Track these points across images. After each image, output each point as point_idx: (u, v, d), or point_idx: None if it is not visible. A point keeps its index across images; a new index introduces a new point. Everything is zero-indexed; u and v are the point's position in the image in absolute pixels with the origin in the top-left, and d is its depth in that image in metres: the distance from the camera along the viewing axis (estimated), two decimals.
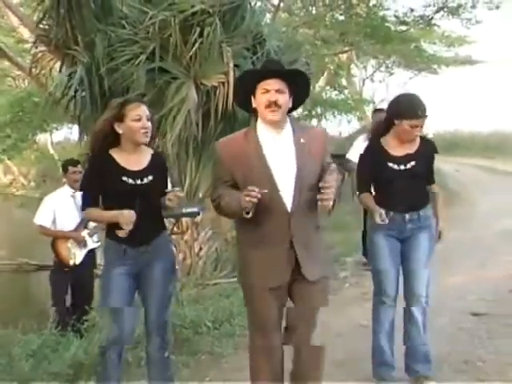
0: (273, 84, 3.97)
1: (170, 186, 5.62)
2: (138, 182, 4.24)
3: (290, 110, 4.13)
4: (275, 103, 3.94)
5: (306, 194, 3.99)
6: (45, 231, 7.33)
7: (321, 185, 3.83)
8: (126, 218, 4.05)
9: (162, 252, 4.36)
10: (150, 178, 4.29)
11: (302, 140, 4.05)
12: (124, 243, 4.22)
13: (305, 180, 3.99)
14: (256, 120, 4.10)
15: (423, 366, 4.84)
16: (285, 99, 3.99)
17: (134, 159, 4.29)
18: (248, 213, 3.86)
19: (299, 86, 4.11)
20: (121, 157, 4.27)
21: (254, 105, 4.06)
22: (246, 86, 4.10)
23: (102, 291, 4.34)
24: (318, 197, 3.82)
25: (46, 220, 7.28)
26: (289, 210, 3.97)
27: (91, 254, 7.37)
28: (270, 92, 3.96)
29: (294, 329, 4.14)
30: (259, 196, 3.78)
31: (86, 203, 4.31)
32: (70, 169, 7.44)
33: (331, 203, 3.84)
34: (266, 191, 3.83)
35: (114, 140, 4.27)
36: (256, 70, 4.28)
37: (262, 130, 4.05)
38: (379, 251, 4.80)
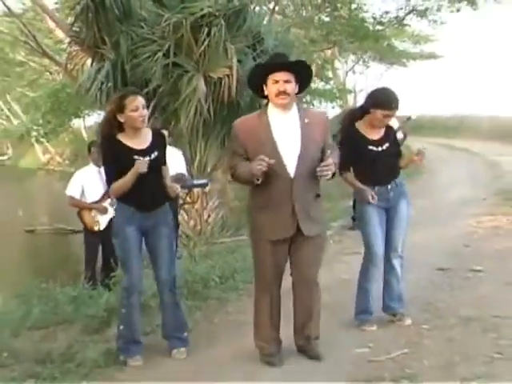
0: (281, 75, 4.04)
1: (184, 166, 5.60)
2: (147, 158, 4.27)
3: (296, 94, 4.18)
4: (284, 92, 4.03)
5: (308, 165, 4.06)
6: (73, 201, 7.32)
7: (322, 164, 3.97)
8: (142, 165, 4.15)
9: (164, 219, 4.40)
10: (156, 153, 4.32)
11: (306, 120, 4.13)
12: (132, 206, 4.29)
13: (307, 152, 4.06)
14: (267, 104, 4.17)
15: (398, 304, 4.93)
16: (292, 87, 4.07)
17: (138, 140, 4.31)
18: (258, 179, 3.96)
19: (303, 75, 4.18)
20: (127, 139, 4.29)
21: (265, 92, 4.12)
22: (258, 77, 4.17)
23: (118, 248, 4.40)
24: (318, 169, 3.96)
25: (75, 191, 7.28)
26: (292, 176, 4.04)
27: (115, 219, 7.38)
28: (280, 82, 4.03)
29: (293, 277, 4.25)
30: (268, 164, 3.87)
31: (110, 180, 4.33)
32: (93, 149, 7.42)
33: (330, 175, 4.01)
34: (274, 161, 3.91)
35: (119, 126, 4.30)
36: (266, 63, 4.32)
37: (273, 112, 4.12)
38: (370, 220, 4.80)
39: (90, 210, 7.20)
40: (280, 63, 4.11)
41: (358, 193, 4.85)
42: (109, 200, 7.12)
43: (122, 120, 4.25)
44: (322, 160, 4.04)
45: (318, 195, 4.20)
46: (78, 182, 7.30)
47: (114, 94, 8.03)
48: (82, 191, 7.26)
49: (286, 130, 4.08)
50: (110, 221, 7.21)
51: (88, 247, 7.38)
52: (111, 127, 4.30)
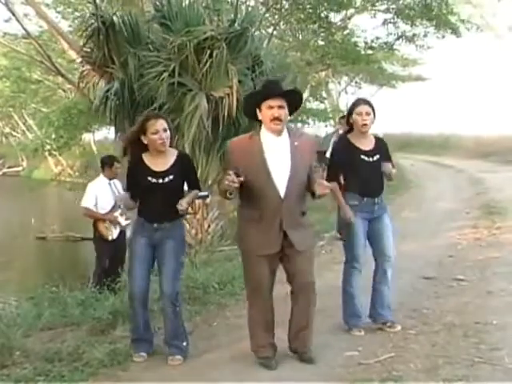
0: (276, 101, 4.08)
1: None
2: (160, 180, 4.30)
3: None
4: (278, 118, 4.06)
5: (297, 185, 4.11)
6: (88, 212, 7.37)
7: (317, 182, 4.06)
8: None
9: (174, 233, 4.38)
10: (171, 177, 4.33)
11: (296, 143, 4.16)
12: (143, 217, 4.35)
13: (297, 174, 4.10)
14: (260, 126, 4.19)
15: (387, 312, 4.92)
16: (285, 113, 4.12)
17: (160, 161, 4.34)
18: (231, 194, 4.01)
19: (294, 100, 4.21)
20: (149, 160, 4.35)
21: (259, 116, 4.14)
22: (253, 102, 4.21)
23: (128, 257, 4.50)
24: (319, 190, 4.05)
25: (90, 203, 7.33)
26: (282, 196, 4.05)
27: (124, 229, 7.40)
28: (274, 108, 4.06)
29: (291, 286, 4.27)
30: (236, 181, 3.88)
31: (127, 189, 4.48)
32: (115, 164, 7.34)
33: (327, 192, 4.11)
34: (242, 179, 3.93)
35: (144, 147, 4.34)
36: (262, 90, 4.35)
37: (265, 134, 4.15)
38: (357, 230, 4.80)
39: (104, 220, 7.24)
40: (275, 91, 4.13)
41: (340, 207, 4.85)
42: (119, 210, 7.15)
43: (145, 142, 4.30)
44: (309, 180, 4.11)
45: (303, 213, 4.24)
46: (92, 194, 7.36)
47: (123, 110, 8.18)
48: (96, 202, 7.29)
49: (278, 152, 4.10)
50: (121, 232, 7.28)
51: (100, 255, 7.40)
52: (135, 147, 4.35)
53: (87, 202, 7.36)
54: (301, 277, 4.21)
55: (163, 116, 4.49)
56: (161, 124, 4.28)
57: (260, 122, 4.17)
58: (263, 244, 4.10)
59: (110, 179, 7.34)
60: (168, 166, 4.34)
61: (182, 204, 4.26)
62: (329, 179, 4.76)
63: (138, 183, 4.35)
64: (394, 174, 4.89)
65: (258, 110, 4.13)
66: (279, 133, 4.12)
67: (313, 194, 4.17)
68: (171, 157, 4.39)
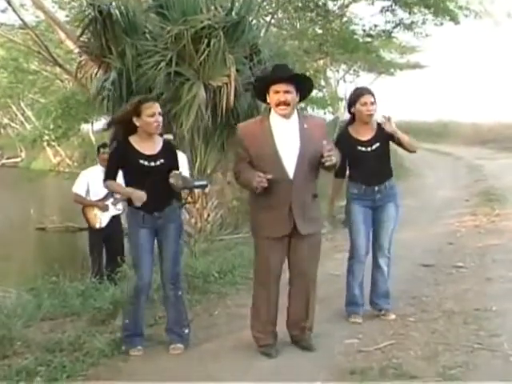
0: (282, 86, 4.07)
1: (187, 169, 5.59)
2: (152, 164, 4.28)
3: (297, 102, 4.21)
4: (284, 102, 4.05)
5: (307, 168, 4.10)
6: (78, 199, 7.34)
7: (325, 151, 3.96)
8: (138, 197, 4.16)
9: (173, 217, 4.39)
10: (162, 161, 4.31)
11: (305, 126, 4.16)
12: (142, 211, 4.28)
13: (305, 156, 4.08)
14: (270, 110, 4.19)
15: (384, 301, 4.93)
16: (292, 98, 4.10)
17: (148, 145, 4.31)
18: (257, 188, 3.98)
19: (303, 85, 4.20)
20: (138, 143, 4.30)
21: (268, 100, 4.15)
22: (261, 88, 4.22)
23: (130, 249, 4.45)
24: (324, 156, 3.96)
25: (81, 189, 7.29)
26: (291, 178, 4.06)
27: (118, 218, 7.37)
28: (280, 93, 4.06)
29: (290, 273, 4.27)
30: (265, 180, 3.91)
31: (108, 176, 4.37)
32: (101, 150, 7.42)
33: (334, 161, 3.99)
34: (271, 177, 3.93)
35: (132, 129, 4.31)
36: (268, 76, 4.34)
37: (274, 118, 4.15)
38: (356, 218, 4.81)
39: (93, 207, 7.20)
40: (280, 76, 4.12)
41: (347, 189, 4.86)
42: (111, 199, 7.12)
43: (137, 124, 4.27)
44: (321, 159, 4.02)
45: (315, 196, 4.21)
46: (83, 181, 7.33)
47: (121, 100, 8.15)
48: (88, 190, 7.26)
49: (286, 135, 4.10)
50: (112, 219, 7.23)
51: (91, 244, 7.38)
52: (126, 129, 4.31)
53: (78, 188, 7.33)
54: (300, 264, 4.21)
55: (158, 100, 4.52)
56: (157, 107, 4.29)
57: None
58: (273, 226, 4.11)
59: (104, 167, 7.28)
60: (158, 150, 4.33)
61: (180, 182, 4.24)
62: (335, 175, 4.81)
63: (130, 167, 4.28)
64: (399, 133, 4.72)
65: (267, 94, 4.14)
66: (287, 116, 4.12)
67: (324, 167, 4.09)
68: (159, 141, 4.38)
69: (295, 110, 4.18)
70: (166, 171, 4.28)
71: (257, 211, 4.22)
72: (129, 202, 4.37)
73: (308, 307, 4.27)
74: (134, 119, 4.26)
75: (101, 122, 23.53)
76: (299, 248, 4.18)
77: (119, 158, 4.31)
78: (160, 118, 4.29)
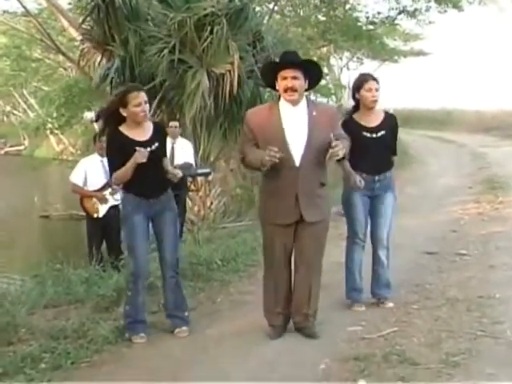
0: (290, 72, 4.05)
1: (192, 156, 5.58)
2: (148, 149, 4.25)
3: (307, 89, 4.20)
4: (291, 88, 4.03)
5: (314, 155, 4.08)
6: (75, 188, 7.30)
7: (333, 144, 3.94)
8: (140, 156, 4.14)
9: (169, 205, 4.40)
10: (156, 144, 4.32)
11: (314, 113, 4.14)
12: (138, 196, 4.30)
13: (314, 143, 4.06)
14: (279, 97, 4.17)
15: (384, 290, 4.92)
16: (300, 84, 4.07)
17: (139, 132, 4.31)
18: (264, 166, 3.97)
19: (312, 72, 4.18)
20: (129, 131, 4.29)
21: (277, 87, 4.13)
22: (269, 73, 4.20)
23: (125, 235, 4.46)
24: (330, 151, 3.95)
25: (79, 179, 7.24)
26: (297, 165, 4.05)
27: (116, 207, 7.35)
28: (288, 79, 4.03)
29: (296, 259, 4.27)
30: (278, 156, 3.88)
31: (112, 169, 4.34)
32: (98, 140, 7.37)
33: (340, 155, 4.00)
34: (283, 154, 3.92)
35: (121, 119, 4.30)
36: (275, 61, 4.32)
37: (283, 105, 4.13)
38: (353, 205, 4.80)
39: (91, 197, 7.18)
40: (288, 61, 4.11)
41: (346, 177, 4.76)
42: (109, 189, 7.10)
43: (124, 114, 4.26)
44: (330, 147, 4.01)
45: (322, 184, 4.21)
46: (81, 170, 7.27)
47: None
48: (85, 179, 7.21)
49: (295, 121, 4.09)
50: (110, 209, 7.21)
51: (89, 232, 7.37)
52: (115, 120, 4.31)
53: (75, 177, 7.27)
54: (305, 250, 4.21)
55: (143, 88, 4.46)
56: (142, 96, 4.26)
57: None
58: (280, 213, 4.12)
59: (102, 156, 7.24)
60: (150, 135, 4.33)
61: (178, 171, 4.28)
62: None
63: (127, 155, 4.22)
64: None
65: (275, 81, 4.12)
66: (296, 103, 4.10)
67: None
68: (149, 126, 4.37)
69: (304, 97, 4.16)
70: (161, 155, 4.31)
71: (265, 197, 4.26)
72: (124, 187, 4.37)
73: (311, 294, 4.27)
74: (121, 110, 4.25)
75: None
76: (305, 235, 4.18)
77: (117, 149, 4.28)
78: (146, 107, 4.28)
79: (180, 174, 4.31)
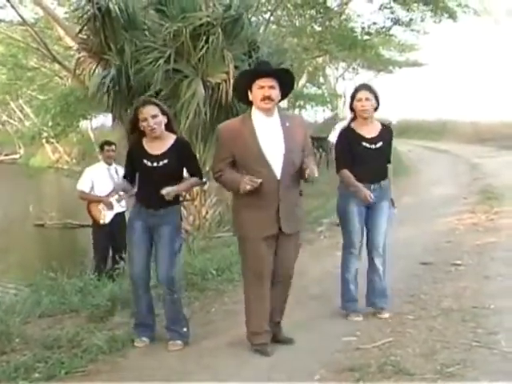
0: (267, 81, 4.04)
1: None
2: (155, 164, 4.31)
3: (279, 101, 4.18)
4: (269, 97, 4.03)
5: (292, 167, 4.08)
6: (83, 195, 7.45)
7: (304, 166, 3.99)
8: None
9: (169, 220, 4.36)
10: (166, 161, 4.32)
11: (287, 124, 4.13)
12: (140, 203, 4.39)
13: (291, 154, 4.07)
14: (251, 109, 4.14)
15: (380, 300, 4.92)
16: (276, 93, 4.07)
17: (156, 145, 4.35)
18: (242, 190, 3.97)
19: (286, 81, 4.17)
20: (147, 144, 4.37)
21: (250, 98, 4.10)
22: (244, 83, 4.16)
23: (127, 240, 4.49)
24: (307, 172, 3.98)
25: (86, 186, 7.38)
26: (278, 178, 4.04)
27: (122, 215, 7.39)
28: (265, 88, 4.03)
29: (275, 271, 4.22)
30: (258, 183, 3.91)
31: (124, 176, 4.55)
32: (106, 147, 7.50)
33: (315, 173, 4.00)
34: (261, 181, 3.93)
35: (143, 132, 4.36)
36: (252, 70, 4.33)
37: (256, 116, 4.10)
38: (349, 215, 4.81)
39: (98, 203, 7.25)
40: (266, 70, 4.13)
41: (354, 191, 4.75)
42: (116, 196, 7.13)
43: (141, 128, 4.33)
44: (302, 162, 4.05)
45: (300, 193, 4.23)
46: (88, 178, 7.41)
47: (120, 97, 8.13)
48: (92, 187, 7.34)
49: (270, 133, 4.07)
50: (116, 216, 7.28)
51: (95, 239, 7.45)
52: (135, 133, 4.40)
53: (83, 185, 7.44)
54: (286, 262, 4.21)
55: (153, 101, 4.47)
56: (147, 111, 4.27)
57: (251, 104, 4.12)
58: (263, 226, 4.08)
59: (109, 164, 7.40)
60: (164, 150, 4.34)
61: (168, 190, 4.21)
62: (338, 168, 4.80)
63: (135, 167, 4.42)
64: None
65: (249, 92, 4.09)
66: (270, 113, 4.09)
67: (303, 178, 4.10)
68: (168, 141, 4.38)
69: (276, 108, 4.15)
70: (169, 172, 4.31)
71: (240, 210, 4.18)
72: (135, 196, 4.48)
73: (285, 303, 4.32)
74: (139, 125, 4.34)
75: (99, 119, 23.62)
76: (285, 247, 4.18)
77: (130, 158, 4.44)
78: (153, 121, 4.27)
79: (170, 194, 4.23)
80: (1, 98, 26.68)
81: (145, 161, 4.31)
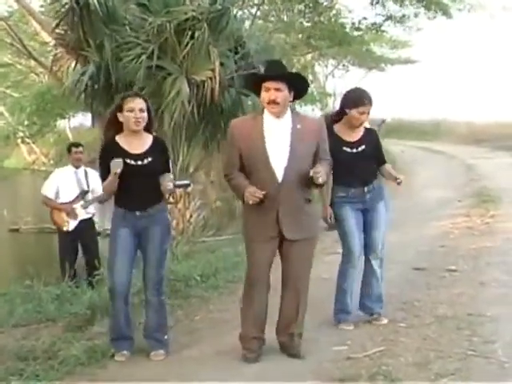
0: (273, 84, 4.06)
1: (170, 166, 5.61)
2: (139, 162, 4.28)
3: (292, 100, 4.19)
4: (274, 101, 4.04)
5: (297, 170, 4.08)
6: (46, 201, 7.34)
7: (311, 172, 3.98)
8: (114, 166, 4.14)
9: (158, 219, 4.37)
10: (150, 159, 4.31)
11: (298, 126, 4.14)
12: (124, 208, 4.31)
13: (296, 157, 4.08)
14: (263, 108, 4.19)
15: (376, 305, 4.93)
16: (283, 96, 4.07)
17: (135, 143, 4.32)
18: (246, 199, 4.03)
19: (296, 84, 4.18)
20: (124, 142, 4.32)
21: (261, 97, 4.16)
22: (253, 84, 4.24)
23: (109, 248, 4.41)
24: (311, 174, 3.97)
25: (50, 191, 7.27)
26: (279, 181, 4.05)
27: (89, 221, 7.35)
28: (271, 90, 4.05)
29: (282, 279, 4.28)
30: (262, 195, 3.95)
31: (102, 180, 4.37)
32: (73, 149, 7.40)
33: (320, 181, 4.00)
34: (265, 193, 3.97)
35: (119, 128, 4.33)
36: (258, 74, 4.36)
37: (267, 116, 4.15)
38: (348, 222, 4.80)
39: (60, 210, 7.17)
40: (271, 74, 4.12)
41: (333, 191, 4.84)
42: (81, 202, 7.10)
43: (121, 119, 4.29)
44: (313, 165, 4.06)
45: (308, 200, 4.21)
46: (53, 182, 7.31)
47: (100, 95, 8.11)
48: (58, 191, 7.22)
49: (278, 135, 4.09)
50: (81, 222, 7.20)
51: (61, 247, 7.37)
52: (111, 126, 4.35)
53: (47, 189, 7.32)
54: (290, 268, 4.22)
55: (143, 96, 4.45)
56: (137, 103, 4.28)
57: None
58: (261, 228, 4.12)
59: (76, 167, 7.29)
60: (146, 148, 4.34)
61: (169, 184, 4.25)
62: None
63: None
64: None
65: (261, 90, 4.14)
66: (279, 115, 4.11)
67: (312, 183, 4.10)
68: (147, 139, 4.38)
69: (288, 109, 4.17)
70: (154, 170, 4.29)
71: (247, 213, 4.24)
72: (115, 201, 4.38)
73: (298, 313, 4.27)
74: (118, 115, 4.30)
75: (78, 119, 23.51)
76: (289, 253, 4.19)
77: (105, 158, 4.30)
78: (140, 115, 4.27)
79: (171, 186, 4.28)
80: None
81: (127, 160, 4.25)
